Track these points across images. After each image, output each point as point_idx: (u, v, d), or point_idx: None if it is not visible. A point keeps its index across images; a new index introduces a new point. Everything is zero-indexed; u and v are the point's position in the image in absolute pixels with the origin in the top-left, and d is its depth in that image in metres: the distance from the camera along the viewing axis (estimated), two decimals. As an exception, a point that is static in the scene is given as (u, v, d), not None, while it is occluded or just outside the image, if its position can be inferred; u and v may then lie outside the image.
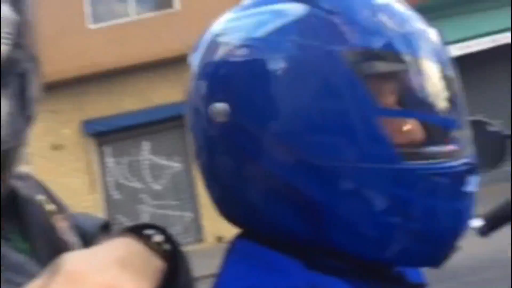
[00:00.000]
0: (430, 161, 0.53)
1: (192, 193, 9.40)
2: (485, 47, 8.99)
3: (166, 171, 9.58)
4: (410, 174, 0.52)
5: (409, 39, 0.54)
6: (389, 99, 0.56)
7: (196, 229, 9.42)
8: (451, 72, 0.58)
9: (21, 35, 0.51)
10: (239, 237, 0.61)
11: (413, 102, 0.56)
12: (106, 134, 9.32)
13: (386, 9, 0.56)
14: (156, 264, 0.50)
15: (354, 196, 0.52)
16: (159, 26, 8.98)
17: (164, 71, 9.08)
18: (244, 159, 0.55)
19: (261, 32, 0.55)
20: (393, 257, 0.53)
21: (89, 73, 9.03)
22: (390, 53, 0.53)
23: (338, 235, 0.53)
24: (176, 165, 9.55)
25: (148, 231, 0.52)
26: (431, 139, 0.56)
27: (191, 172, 9.34)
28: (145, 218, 9.42)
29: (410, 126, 0.56)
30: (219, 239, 8.80)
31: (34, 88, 0.54)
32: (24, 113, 0.52)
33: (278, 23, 0.55)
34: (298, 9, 0.55)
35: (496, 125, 0.83)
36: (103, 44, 9.10)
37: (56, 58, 8.43)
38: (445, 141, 0.56)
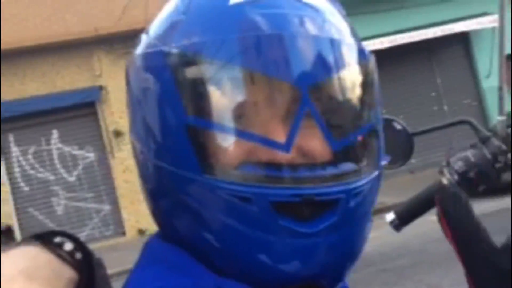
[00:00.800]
0: (241, 181, 0.51)
1: (109, 185, 9.08)
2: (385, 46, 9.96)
3: (79, 162, 9.15)
4: (208, 188, 0.52)
5: (235, 46, 0.52)
6: (208, 107, 0.52)
7: (117, 222, 9.15)
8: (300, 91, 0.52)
9: None
10: (155, 237, 0.60)
11: (226, 115, 0.52)
12: (8, 120, 8.63)
13: (231, 11, 0.54)
14: (68, 275, 0.49)
15: (175, 200, 0.54)
16: (61, 5, 8.47)
17: (68, 54, 8.65)
18: (139, 162, 0.59)
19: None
20: (227, 269, 0.53)
21: (-18, 53, 8.27)
22: (200, 58, 0.52)
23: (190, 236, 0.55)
24: (89, 155, 9.15)
25: (58, 239, 0.50)
26: (252, 158, 0.52)
27: (106, 163, 9.03)
28: (59, 212, 9.01)
29: (228, 142, 0.52)
30: (141, 232, 8.59)
31: None
32: None
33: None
34: (169, 9, 0.59)
35: (401, 123, 0.84)
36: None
37: None
38: (275, 164, 0.51)
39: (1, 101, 8.42)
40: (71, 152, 9.05)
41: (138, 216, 8.37)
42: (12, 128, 8.80)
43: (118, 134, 8.66)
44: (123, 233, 8.97)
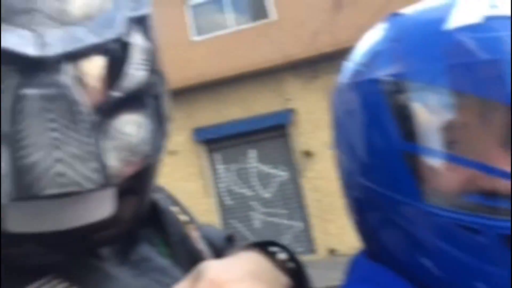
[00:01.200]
0: (463, 211, 0.49)
1: (300, 203, 9.41)
2: None
3: (273, 180, 9.70)
4: (425, 214, 0.50)
5: (451, 72, 0.50)
6: (424, 134, 0.52)
7: (307, 240, 9.41)
8: None
9: (154, 61, 0.57)
10: (361, 255, 0.60)
11: (445, 141, 0.51)
12: (216, 141, 9.67)
13: (444, 37, 0.52)
14: (283, 281, 0.54)
15: (383, 218, 0.54)
16: (256, 36, 9.19)
17: (262, 81, 9.32)
18: (343, 174, 0.61)
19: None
20: None
21: (195, 83, 9.41)
22: (414, 85, 0.51)
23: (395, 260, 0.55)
24: (282, 173, 9.63)
25: (272, 248, 0.57)
26: (476, 188, 0.50)
27: (297, 182, 9.39)
28: (257, 225, 9.67)
29: (446, 169, 0.51)
30: (332, 251, 8.64)
31: (167, 108, 0.61)
32: (161, 130, 0.58)
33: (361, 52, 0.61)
34: (377, 37, 0.59)
35: None
36: (206, 55, 9.42)
37: (164, 70, 8.88)
38: (498, 194, 0.48)
39: (210, 125, 9.53)
40: (266, 171, 9.66)
41: (328, 235, 8.45)
42: (218, 148, 9.82)
43: (307, 154, 8.93)
44: (314, 251, 9.14)
